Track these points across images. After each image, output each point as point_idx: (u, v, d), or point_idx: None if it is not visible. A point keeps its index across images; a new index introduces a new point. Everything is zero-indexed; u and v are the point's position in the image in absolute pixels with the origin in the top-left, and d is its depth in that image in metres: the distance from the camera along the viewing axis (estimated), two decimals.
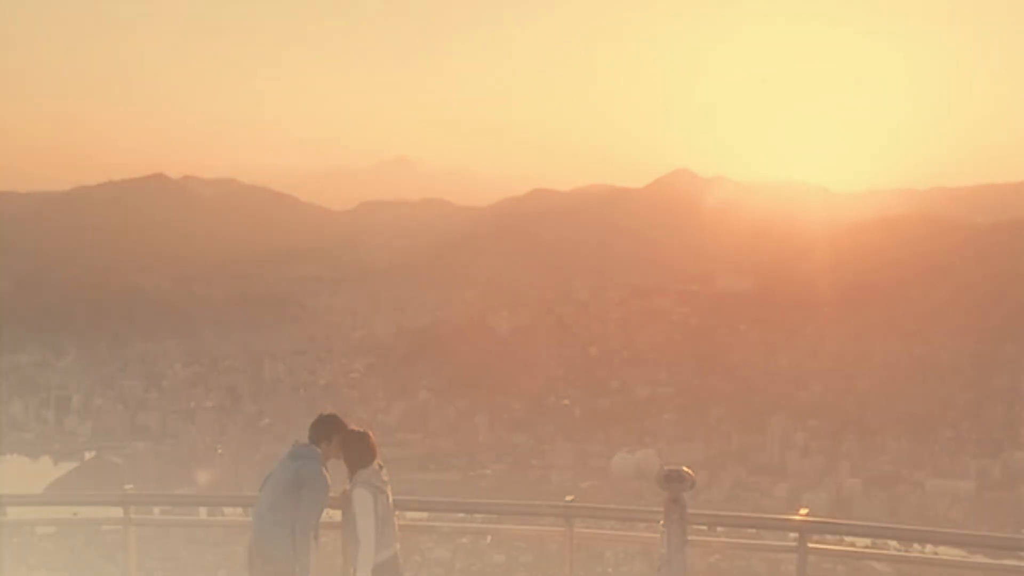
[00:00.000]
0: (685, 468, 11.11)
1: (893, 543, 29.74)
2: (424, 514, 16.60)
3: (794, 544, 11.90)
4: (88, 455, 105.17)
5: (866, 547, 24.89)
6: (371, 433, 11.84)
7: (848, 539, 15.01)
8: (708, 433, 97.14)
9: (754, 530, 13.93)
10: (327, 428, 11.80)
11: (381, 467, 11.73)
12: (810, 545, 11.82)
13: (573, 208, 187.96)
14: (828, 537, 12.70)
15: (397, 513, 11.98)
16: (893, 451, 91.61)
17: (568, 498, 12.86)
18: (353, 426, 11.90)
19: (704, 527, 12.34)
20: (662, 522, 11.12)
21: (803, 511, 12.35)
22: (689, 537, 11.19)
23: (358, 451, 11.65)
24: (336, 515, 12.24)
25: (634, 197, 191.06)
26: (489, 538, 62.04)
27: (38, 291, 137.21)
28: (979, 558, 13.67)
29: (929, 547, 14.89)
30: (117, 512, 13.90)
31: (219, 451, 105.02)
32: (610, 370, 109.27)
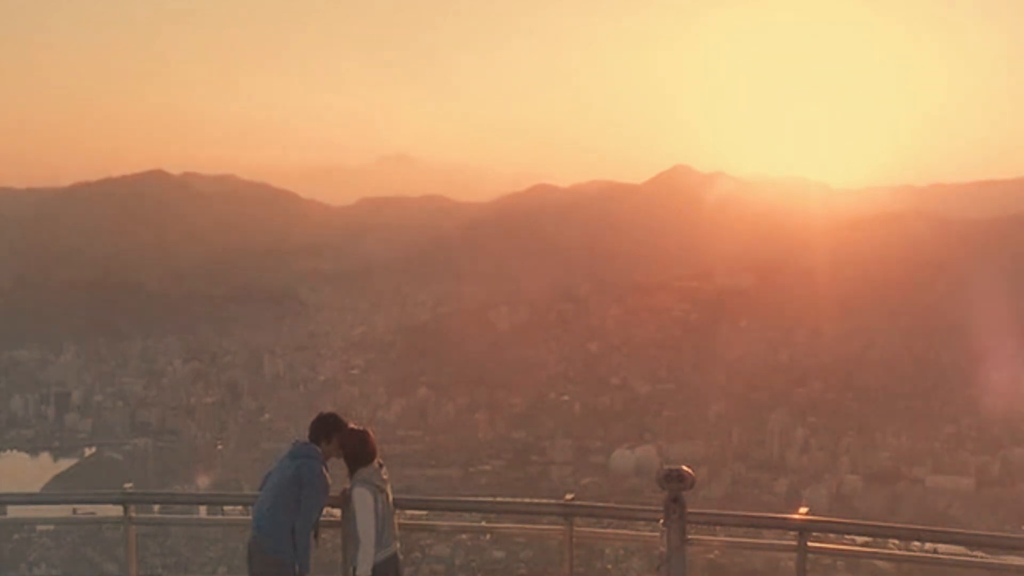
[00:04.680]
0: (685, 467, 11.10)
1: (894, 541, 29.83)
2: (424, 511, 16.61)
3: (794, 543, 11.90)
4: (88, 452, 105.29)
5: (866, 544, 24.91)
6: (371, 432, 11.85)
7: (848, 537, 15.00)
8: (708, 430, 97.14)
9: (754, 529, 13.91)
10: (327, 427, 11.82)
11: (381, 466, 11.74)
12: (810, 544, 11.82)
13: (573, 204, 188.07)
14: (828, 535, 12.70)
15: (397, 512, 11.99)
16: (893, 447, 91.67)
17: (568, 496, 12.86)
18: (353, 425, 11.91)
19: (704, 525, 12.34)
20: (662, 521, 11.12)
21: (803, 510, 12.35)
22: (689, 536, 11.19)
23: (358, 450, 11.66)
24: (336, 513, 12.25)
25: (634, 193, 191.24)
26: (489, 535, 62.10)
27: (38, 288, 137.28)
28: (979, 556, 13.68)
29: (929, 545, 14.90)
30: (117, 511, 13.89)
31: (219, 447, 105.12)
32: (610, 366, 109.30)
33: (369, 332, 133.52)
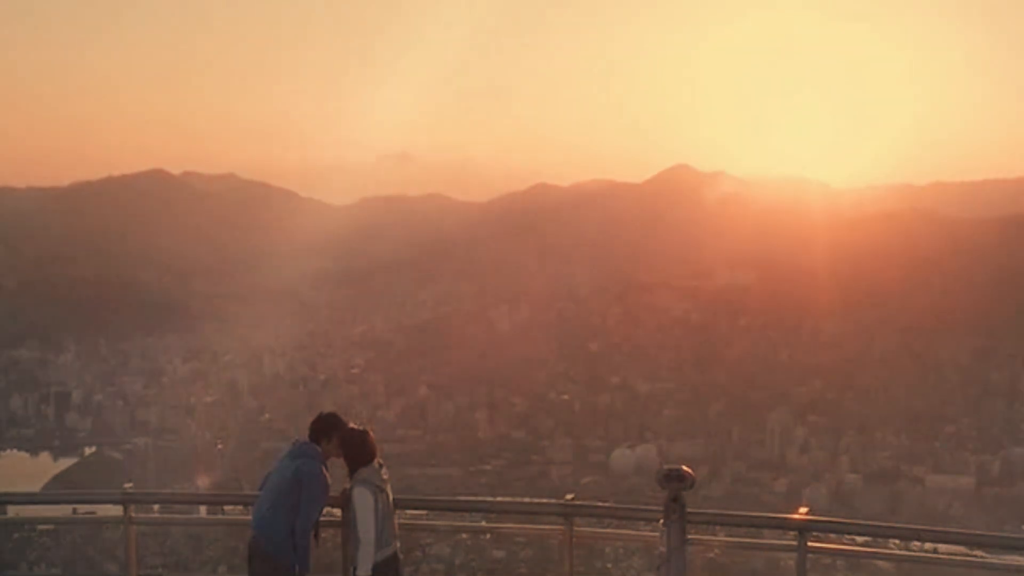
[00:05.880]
0: (684, 467, 11.09)
1: (894, 540, 29.82)
2: (424, 511, 16.60)
3: (794, 543, 11.89)
4: (88, 451, 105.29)
5: (866, 544, 24.94)
6: (371, 432, 11.84)
7: (848, 536, 15.02)
8: (708, 429, 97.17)
9: (754, 528, 13.90)
10: (327, 427, 11.81)
11: (381, 465, 11.73)
12: (810, 544, 11.81)
13: (573, 203, 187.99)
14: (828, 535, 12.69)
15: (397, 511, 11.98)
16: (893, 447, 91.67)
17: (568, 496, 12.87)
18: (353, 424, 11.90)
19: (704, 525, 12.34)
20: (662, 521, 11.11)
21: (803, 509, 12.33)
22: (689, 536, 11.18)
23: (358, 450, 11.65)
24: (336, 513, 12.24)
25: (634, 192, 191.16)
26: (489, 535, 62.07)
27: (38, 287, 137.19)
28: (979, 556, 13.68)
29: (929, 545, 14.90)
30: (117, 510, 13.89)
31: (219, 447, 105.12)
32: (610, 366, 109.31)
33: (369, 331, 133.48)
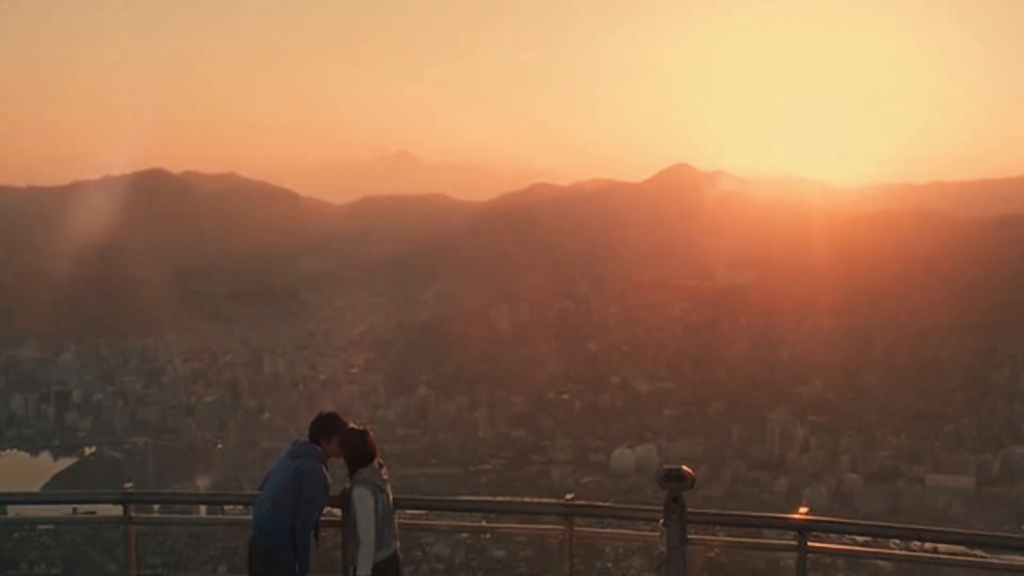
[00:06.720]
0: (684, 467, 11.07)
1: (894, 540, 29.78)
2: (424, 510, 16.59)
3: (794, 543, 11.88)
4: (88, 450, 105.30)
5: (866, 543, 24.90)
6: (371, 432, 11.83)
7: (848, 536, 14.98)
8: (708, 428, 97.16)
9: (754, 528, 13.89)
10: (327, 427, 11.81)
11: (381, 466, 11.72)
12: (810, 544, 11.80)
13: (573, 202, 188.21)
14: (828, 534, 12.68)
15: (397, 511, 11.97)
16: (893, 446, 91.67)
17: (568, 496, 12.86)
18: (352, 424, 11.90)
19: (704, 525, 12.32)
20: (662, 520, 11.10)
21: (803, 509, 12.32)
22: (689, 535, 11.17)
23: (358, 450, 11.64)
24: (336, 513, 12.24)
25: (634, 191, 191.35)
26: (489, 535, 62.10)
27: (38, 287, 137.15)
28: (979, 556, 13.66)
29: (929, 544, 14.88)
30: (117, 510, 13.87)
31: (219, 447, 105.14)
32: (610, 365, 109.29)
33: (369, 331, 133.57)
